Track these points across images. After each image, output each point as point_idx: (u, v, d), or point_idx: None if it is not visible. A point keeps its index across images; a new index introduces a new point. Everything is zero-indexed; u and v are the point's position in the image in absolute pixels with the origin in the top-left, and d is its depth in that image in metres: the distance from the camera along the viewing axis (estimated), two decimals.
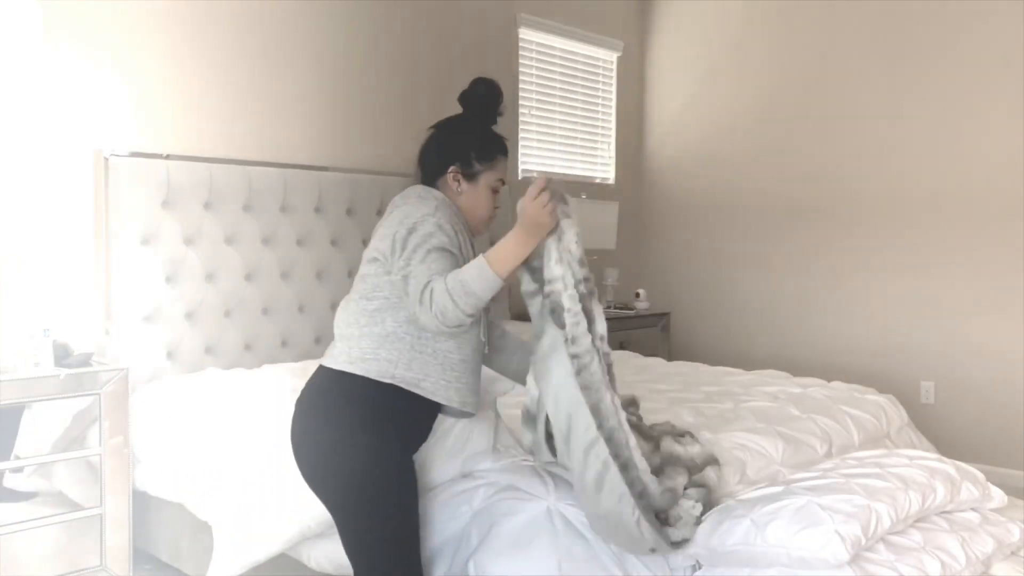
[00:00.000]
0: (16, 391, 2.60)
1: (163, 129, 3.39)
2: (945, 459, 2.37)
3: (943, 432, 4.28)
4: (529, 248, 1.94)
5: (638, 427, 2.22)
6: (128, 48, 3.28)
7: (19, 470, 2.70)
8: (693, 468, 2.13)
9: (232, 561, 2.35)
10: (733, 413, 2.83)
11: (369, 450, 1.88)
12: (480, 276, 1.85)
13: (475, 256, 1.94)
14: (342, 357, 1.95)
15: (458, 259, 1.97)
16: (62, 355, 2.83)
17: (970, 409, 4.35)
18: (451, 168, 2.07)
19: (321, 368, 2.01)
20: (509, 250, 1.92)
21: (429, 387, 1.94)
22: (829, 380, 3.49)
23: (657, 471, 2.02)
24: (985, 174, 4.27)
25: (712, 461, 2.24)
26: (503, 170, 2.12)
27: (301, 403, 2.00)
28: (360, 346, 1.94)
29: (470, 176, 2.08)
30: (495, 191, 2.11)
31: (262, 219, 3.62)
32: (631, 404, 2.35)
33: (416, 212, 1.97)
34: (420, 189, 2.09)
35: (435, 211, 1.98)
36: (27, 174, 3.04)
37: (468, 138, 2.09)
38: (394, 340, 1.93)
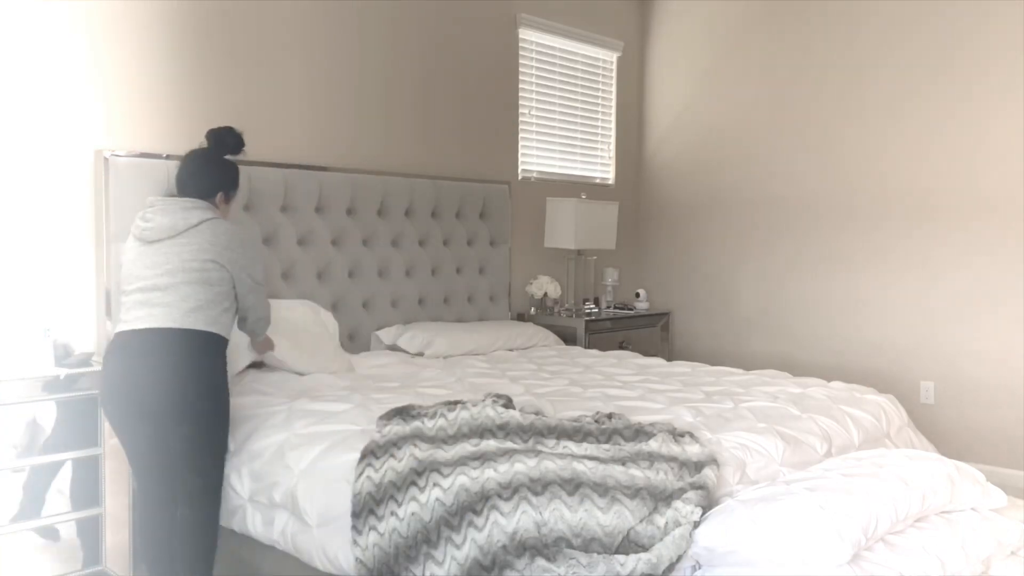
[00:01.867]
0: (16, 391, 2.60)
1: (163, 129, 3.39)
2: (945, 459, 2.37)
3: (943, 432, 4.28)
4: None
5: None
6: (128, 48, 3.28)
7: (20, 470, 2.70)
8: (663, 493, 2.09)
9: None
10: (733, 413, 2.83)
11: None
12: None
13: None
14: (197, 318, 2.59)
15: None
16: (63, 355, 2.83)
17: (970, 409, 4.35)
18: (218, 195, 2.72)
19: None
20: None
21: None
22: (829, 380, 3.49)
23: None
24: (985, 174, 4.27)
25: (711, 461, 2.24)
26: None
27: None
28: (207, 312, 2.62)
29: (230, 199, 2.79)
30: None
31: (263, 219, 3.63)
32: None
33: (238, 233, 2.71)
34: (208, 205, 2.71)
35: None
36: (27, 174, 3.04)
37: (231, 172, 2.78)
38: (224, 313, 2.67)
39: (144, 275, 2.51)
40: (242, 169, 3.53)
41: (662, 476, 2.11)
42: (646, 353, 4.65)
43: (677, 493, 2.06)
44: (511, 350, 4.22)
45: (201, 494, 2.53)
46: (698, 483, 2.10)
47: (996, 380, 4.25)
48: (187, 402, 2.45)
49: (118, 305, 3.17)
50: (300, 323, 3.48)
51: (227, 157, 2.73)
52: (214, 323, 2.51)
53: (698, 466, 2.20)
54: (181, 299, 2.47)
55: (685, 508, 1.98)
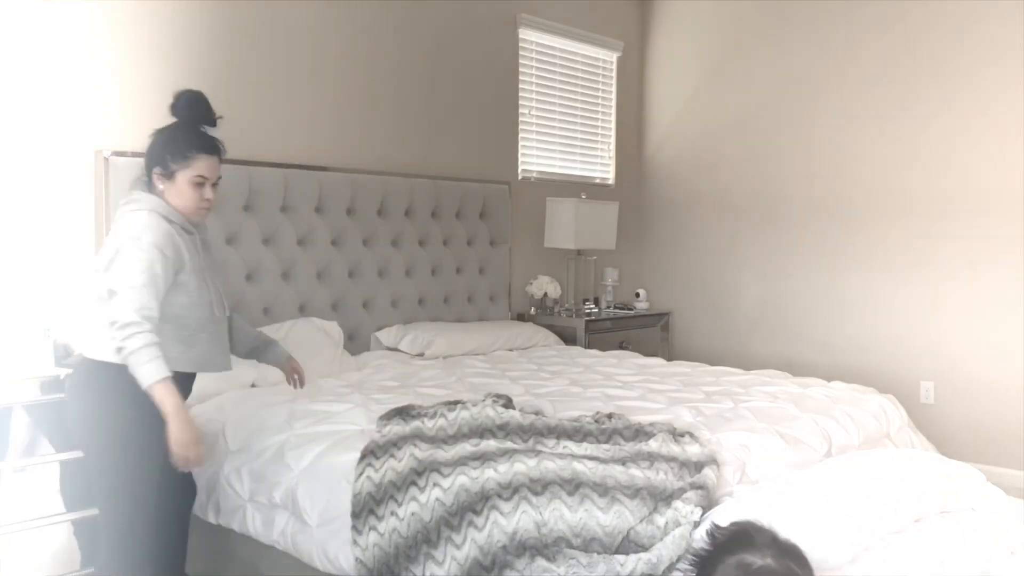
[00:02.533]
0: (16, 391, 2.60)
1: None
2: (945, 459, 2.37)
3: (943, 432, 4.28)
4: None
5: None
6: (128, 48, 3.28)
7: (21, 470, 2.70)
8: (663, 493, 2.09)
9: None
10: (733, 413, 2.83)
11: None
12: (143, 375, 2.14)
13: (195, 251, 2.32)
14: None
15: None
16: (62, 355, 2.83)
17: (970, 409, 4.35)
18: (155, 170, 2.31)
19: None
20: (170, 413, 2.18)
21: (173, 358, 2.27)
22: (829, 380, 3.49)
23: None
24: (985, 174, 4.27)
25: (711, 461, 2.24)
26: (205, 167, 2.33)
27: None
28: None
29: (167, 176, 2.31)
30: (199, 185, 2.31)
31: (262, 219, 3.63)
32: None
33: (138, 225, 2.24)
34: (137, 191, 2.34)
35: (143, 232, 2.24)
36: (27, 174, 3.04)
37: (164, 141, 2.34)
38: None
39: None
40: (242, 169, 3.55)
41: (662, 476, 2.11)
42: (646, 353, 4.65)
43: (677, 493, 2.06)
44: (511, 350, 4.22)
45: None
46: (698, 483, 2.10)
47: (996, 380, 4.25)
48: None
49: None
50: (299, 340, 3.49)
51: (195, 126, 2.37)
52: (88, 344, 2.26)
53: (698, 466, 2.20)
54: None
55: (685, 508, 1.98)
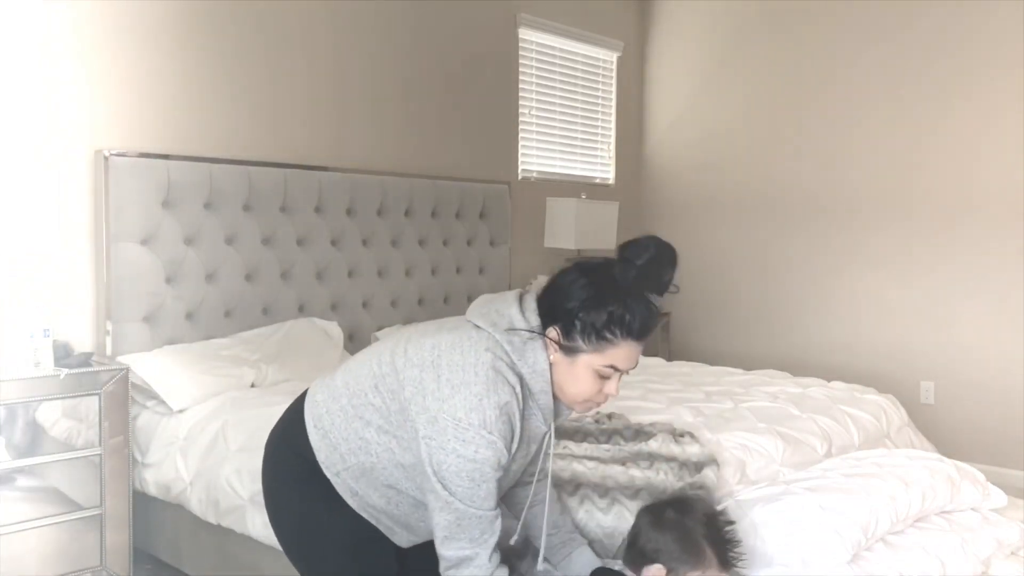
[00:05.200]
0: (16, 391, 2.60)
1: (163, 129, 3.39)
2: (945, 459, 2.37)
3: (943, 432, 4.28)
4: None
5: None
6: (128, 48, 3.28)
7: (21, 470, 2.70)
8: (664, 494, 2.08)
9: None
10: (733, 413, 2.82)
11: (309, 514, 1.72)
12: None
13: (533, 441, 1.64)
14: (316, 411, 1.71)
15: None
16: (62, 355, 2.83)
17: (970, 409, 4.35)
18: (548, 330, 1.58)
19: (300, 404, 1.77)
20: None
21: (361, 504, 1.69)
22: (829, 380, 3.49)
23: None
24: (985, 174, 4.27)
25: (711, 462, 2.24)
26: (624, 357, 1.56)
27: (271, 442, 1.82)
28: (334, 419, 1.67)
29: (566, 349, 1.56)
30: (603, 377, 1.58)
31: (262, 219, 3.62)
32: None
33: (473, 428, 1.49)
34: (509, 348, 1.58)
35: (494, 423, 1.51)
36: (27, 174, 3.04)
37: (587, 301, 1.54)
38: (362, 450, 1.64)
39: None
40: (242, 169, 3.55)
41: (662, 476, 2.11)
42: (646, 353, 4.63)
43: (679, 492, 2.06)
44: None
45: None
46: (698, 483, 2.10)
47: (996, 380, 4.25)
48: None
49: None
50: (298, 341, 3.49)
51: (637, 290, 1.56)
52: None
53: (698, 466, 2.20)
54: None
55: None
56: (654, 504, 1.85)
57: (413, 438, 1.56)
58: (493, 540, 1.53)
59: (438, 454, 1.50)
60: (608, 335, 1.53)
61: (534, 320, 1.59)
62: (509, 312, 1.61)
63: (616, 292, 1.54)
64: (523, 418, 1.58)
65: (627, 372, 1.59)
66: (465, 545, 1.51)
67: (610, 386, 1.59)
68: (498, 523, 1.55)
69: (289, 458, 1.73)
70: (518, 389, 1.55)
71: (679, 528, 1.71)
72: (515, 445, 1.57)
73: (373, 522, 1.70)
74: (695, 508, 1.77)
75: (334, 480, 1.67)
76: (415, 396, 1.56)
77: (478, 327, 1.62)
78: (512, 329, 1.58)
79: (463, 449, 1.48)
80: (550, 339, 1.57)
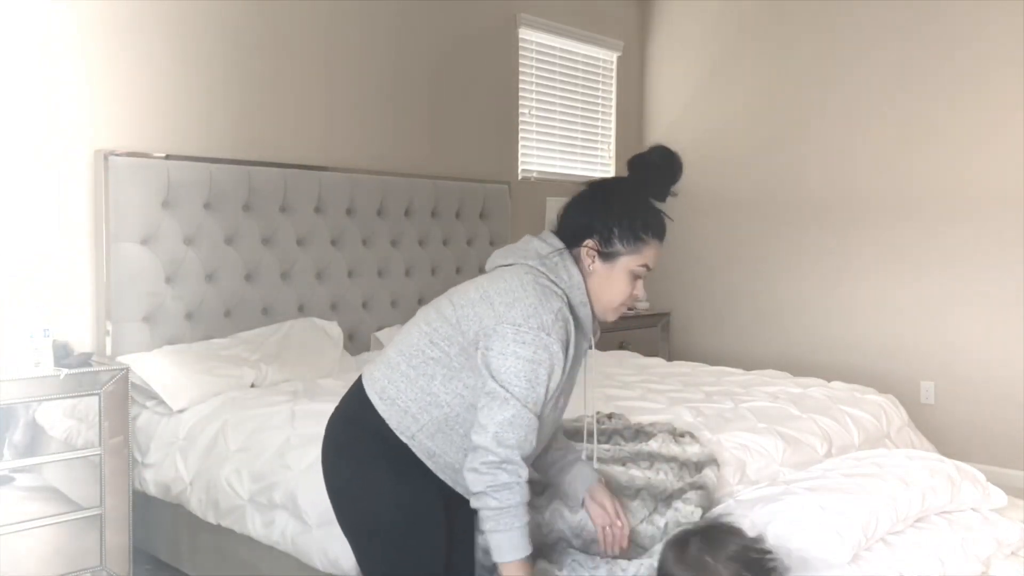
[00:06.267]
0: (16, 391, 2.60)
1: (163, 129, 3.39)
2: (945, 459, 2.37)
3: (943, 432, 4.27)
4: None
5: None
6: (128, 48, 3.28)
7: (20, 470, 2.70)
8: (664, 493, 2.08)
9: None
10: (733, 413, 2.82)
11: (392, 494, 1.73)
12: (508, 548, 1.62)
13: (576, 361, 1.75)
14: (377, 386, 1.74)
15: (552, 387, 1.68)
16: (62, 355, 2.83)
17: (970, 409, 4.35)
18: (588, 241, 1.75)
19: (358, 387, 1.81)
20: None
21: (440, 464, 1.73)
22: (829, 380, 3.49)
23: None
24: (985, 174, 4.27)
25: (711, 462, 2.24)
26: (652, 256, 1.79)
27: (332, 426, 1.84)
28: (398, 386, 1.72)
29: (606, 256, 1.75)
30: (636, 277, 1.78)
31: (262, 219, 3.62)
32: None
33: (532, 331, 1.61)
34: (544, 269, 1.72)
35: (552, 326, 1.63)
36: (27, 174, 3.04)
37: (618, 210, 1.75)
38: (433, 404, 1.69)
39: None
40: (242, 169, 3.55)
41: (662, 476, 2.11)
42: (646, 353, 4.64)
43: (677, 493, 2.06)
44: None
45: None
46: (698, 483, 2.10)
47: (996, 380, 4.25)
48: None
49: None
50: (298, 340, 3.49)
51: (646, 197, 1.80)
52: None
53: (698, 466, 2.20)
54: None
55: (685, 508, 1.98)
56: (681, 534, 1.75)
57: (479, 373, 1.66)
58: (528, 452, 1.63)
59: (498, 360, 1.61)
60: (643, 236, 1.75)
61: (557, 243, 1.76)
62: (531, 246, 1.77)
63: (642, 200, 1.78)
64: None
65: (651, 272, 1.80)
66: (513, 445, 1.60)
67: (639, 288, 1.80)
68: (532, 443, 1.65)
69: (361, 436, 1.76)
70: (564, 301, 1.69)
71: (701, 567, 1.62)
72: (569, 359, 1.69)
73: (450, 484, 1.75)
74: (724, 542, 1.65)
75: (411, 444, 1.71)
76: (474, 328, 1.67)
77: (508, 265, 1.76)
78: (541, 256, 1.73)
79: (523, 351, 1.60)
80: (589, 249, 1.74)
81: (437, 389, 1.70)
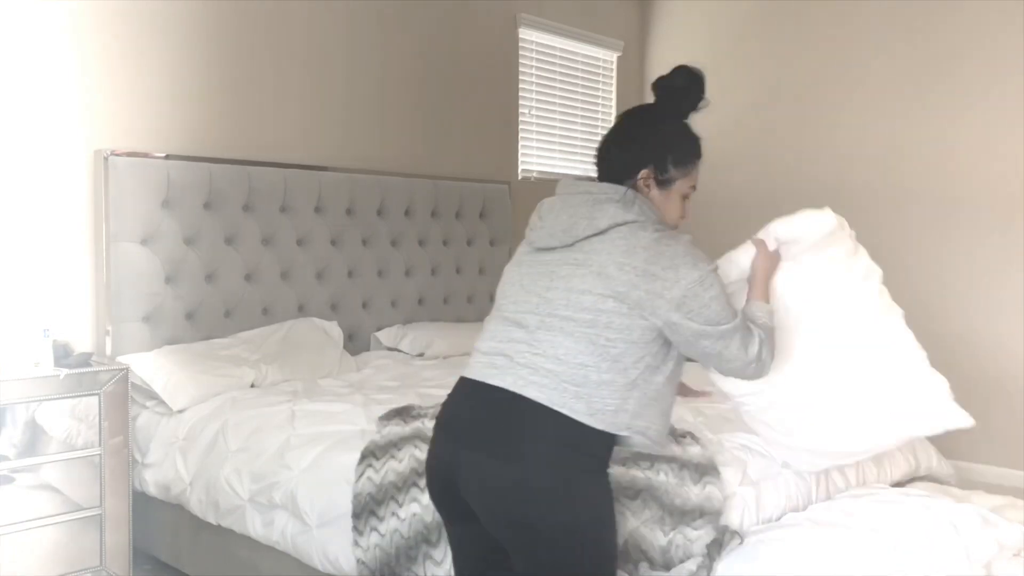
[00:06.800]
0: (16, 391, 2.60)
1: (163, 129, 3.39)
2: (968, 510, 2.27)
3: (943, 432, 4.27)
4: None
5: None
6: (127, 48, 3.28)
7: (20, 470, 2.69)
8: (669, 503, 2.05)
9: None
10: (734, 413, 2.82)
11: (605, 503, 1.72)
12: (769, 318, 1.87)
13: None
14: (580, 406, 1.64)
15: None
16: (62, 355, 2.83)
17: (970, 409, 4.31)
18: (642, 172, 1.80)
19: (550, 414, 1.64)
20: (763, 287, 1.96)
21: (653, 436, 1.74)
22: None
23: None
24: (986, 173, 4.27)
25: (712, 469, 2.21)
26: (697, 176, 1.90)
27: (537, 455, 1.65)
28: (601, 396, 1.65)
29: (662, 183, 1.82)
30: (685, 198, 1.90)
31: (262, 219, 3.62)
32: None
33: (702, 271, 1.69)
34: (643, 217, 1.76)
35: (700, 253, 1.73)
36: (27, 174, 3.04)
37: (665, 138, 1.84)
38: (634, 389, 1.68)
39: (509, 297, 1.82)
40: (242, 169, 3.55)
41: (663, 477, 2.11)
42: None
43: (686, 517, 2.01)
44: None
45: None
46: (707, 509, 2.05)
47: (996, 380, 4.25)
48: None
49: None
50: (298, 341, 3.49)
51: (674, 117, 1.91)
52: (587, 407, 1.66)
53: (699, 469, 2.18)
54: (540, 353, 1.69)
55: (693, 534, 1.97)
56: None
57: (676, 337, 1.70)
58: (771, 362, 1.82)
59: (704, 312, 1.67)
60: (692, 159, 1.87)
61: (618, 188, 1.77)
62: (606, 208, 1.74)
63: (681, 122, 1.89)
64: None
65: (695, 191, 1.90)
66: (764, 358, 1.77)
67: (688, 208, 1.91)
68: None
69: (579, 460, 1.67)
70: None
71: None
72: None
73: (653, 449, 1.80)
74: None
75: (630, 435, 1.70)
76: (660, 309, 1.66)
77: (601, 232, 1.72)
78: (627, 205, 1.74)
79: (713, 290, 1.68)
80: (646, 179, 1.79)
81: (634, 376, 1.68)
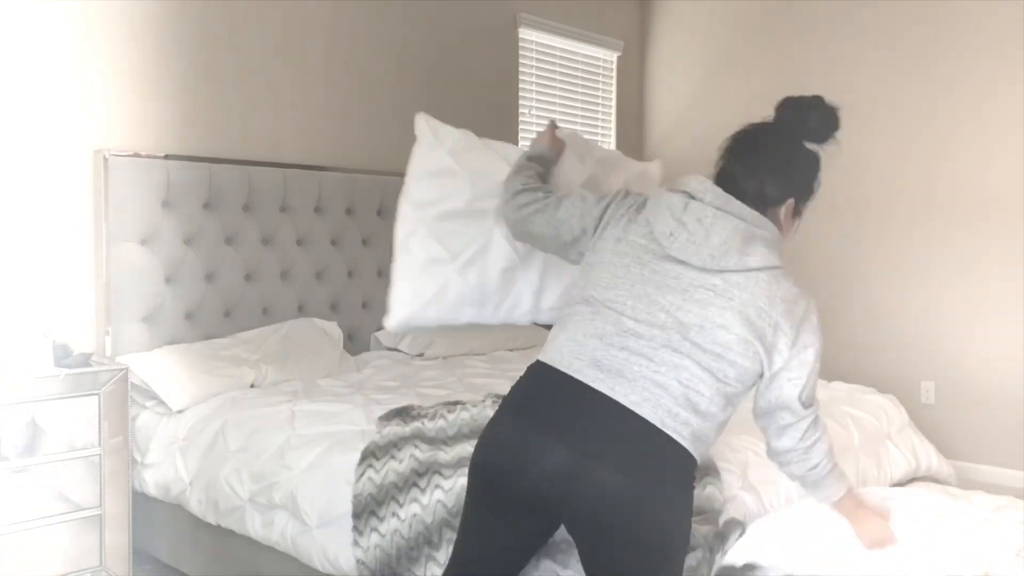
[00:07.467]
0: (16, 391, 2.60)
1: (163, 129, 3.39)
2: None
3: (943, 432, 4.28)
4: None
5: None
6: (128, 48, 3.28)
7: (20, 470, 2.69)
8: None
9: None
10: (734, 414, 2.81)
11: (689, 526, 1.74)
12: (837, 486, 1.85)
13: None
14: (687, 431, 1.62)
15: None
16: (62, 355, 2.83)
17: (970, 409, 4.35)
18: (788, 202, 1.81)
19: (658, 433, 1.61)
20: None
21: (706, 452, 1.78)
22: (829, 380, 3.48)
23: None
24: (985, 174, 4.27)
25: (712, 470, 2.21)
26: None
27: (653, 473, 1.62)
28: (704, 428, 1.65)
29: (797, 214, 1.84)
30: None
31: (262, 219, 3.62)
32: None
33: (817, 317, 1.73)
34: (778, 239, 1.77)
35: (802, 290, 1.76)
36: (27, 174, 3.04)
37: (809, 172, 1.84)
38: (723, 427, 1.73)
39: (623, 296, 1.69)
40: (241, 169, 3.55)
41: None
42: None
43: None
44: (511, 350, 4.21)
45: None
46: (710, 519, 2.06)
47: (996, 380, 4.25)
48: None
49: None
50: (298, 341, 3.49)
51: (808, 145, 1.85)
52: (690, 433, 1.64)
53: (700, 468, 2.18)
54: (660, 373, 1.62)
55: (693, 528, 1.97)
56: None
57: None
58: None
59: (816, 346, 1.70)
60: (816, 187, 1.84)
61: (768, 223, 1.76)
62: (757, 248, 1.71)
63: (813, 152, 1.86)
64: None
65: None
66: (821, 431, 1.75)
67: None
68: None
69: (682, 480, 1.68)
70: None
71: None
72: None
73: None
74: None
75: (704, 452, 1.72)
76: (778, 354, 1.68)
77: (761, 269, 1.70)
78: (776, 245, 1.75)
79: (818, 365, 1.73)
80: (788, 210, 1.80)
81: (730, 414, 1.72)
